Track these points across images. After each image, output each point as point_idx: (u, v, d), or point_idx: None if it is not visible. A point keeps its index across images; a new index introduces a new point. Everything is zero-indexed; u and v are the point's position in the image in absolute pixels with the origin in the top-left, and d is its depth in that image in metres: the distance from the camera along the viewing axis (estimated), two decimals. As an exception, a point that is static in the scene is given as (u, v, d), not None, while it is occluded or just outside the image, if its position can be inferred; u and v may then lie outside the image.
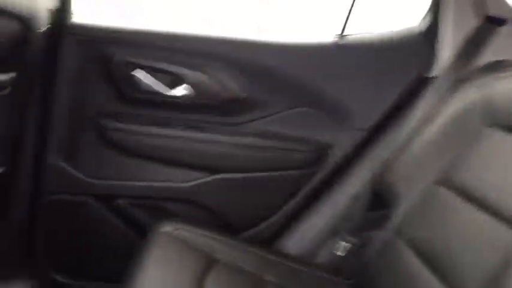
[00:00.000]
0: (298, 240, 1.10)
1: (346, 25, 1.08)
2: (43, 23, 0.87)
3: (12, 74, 0.81)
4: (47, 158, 1.02)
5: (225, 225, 1.10)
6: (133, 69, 1.01)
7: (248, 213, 1.11)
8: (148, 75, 1.02)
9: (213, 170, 1.08)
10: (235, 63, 1.03)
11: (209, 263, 0.85)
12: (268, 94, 1.06)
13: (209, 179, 1.08)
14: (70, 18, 0.98)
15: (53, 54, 0.96)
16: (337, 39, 1.08)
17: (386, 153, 0.97)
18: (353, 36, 1.09)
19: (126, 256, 0.86)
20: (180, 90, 1.04)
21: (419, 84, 1.05)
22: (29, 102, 0.97)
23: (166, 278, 0.81)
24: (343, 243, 0.96)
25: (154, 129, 1.04)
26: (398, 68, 1.06)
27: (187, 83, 1.02)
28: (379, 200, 0.91)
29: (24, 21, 0.79)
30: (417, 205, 0.79)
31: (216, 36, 1.04)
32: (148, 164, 1.07)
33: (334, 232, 1.06)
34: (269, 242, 1.12)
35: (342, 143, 1.09)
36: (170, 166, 1.07)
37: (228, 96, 1.04)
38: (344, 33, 1.08)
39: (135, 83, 1.02)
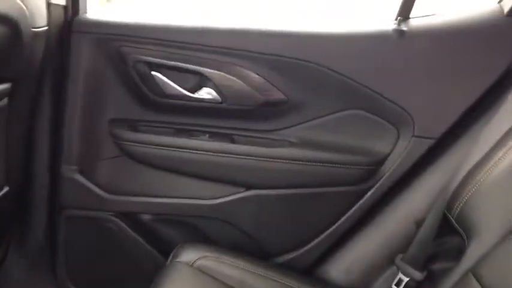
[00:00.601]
0: (345, 270, 1.00)
1: (411, 5, 0.91)
2: (42, 21, 0.77)
3: (6, 85, 0.73)
4: (62, 171, 0.99)
5: (258, 248, 1.03)
6: (152, 70, 0.93)
7: (285, 235, 1.03)
8: (169, 77, 0.94)
9: (245, 186, 1.00)
10: (270, 59, 0.92)
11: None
12: (310, 95, 0.95)
13: (241, 195, 1.00)
14: (78, 14, 0.91)
15: (59, 56, 0.91)
16: (397, 24, 0.92)
17: (459, 169, 0.82)
18: (418, 19, 0.93)
19: (147, 277, 0.83)
20: (206, 94, 0.95)
21: (507, 81, 0.89)
22: (37, 110, 0.93)
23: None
24: (402, 277, 0.87)
25: (178, 140, 0.97)
26: (478, 59, 0.91)
27: (215, 85, 0.94)
28: (450, 227, 0.80)
29: (14, 24, 0.69)
30: (501, 240, 0.69)
31: (246, 28, 0.92)
32: (172, 178, 1.01)
33: (389, 262, 0.94)
34: (310, 270, 1.03)
35: (401, 153, 0.95)
36: (196, 181, 1.01)
37: (262, 99, 0.94)
38: (406, 16, 0.92)
39: (156, 85, 0.94)
